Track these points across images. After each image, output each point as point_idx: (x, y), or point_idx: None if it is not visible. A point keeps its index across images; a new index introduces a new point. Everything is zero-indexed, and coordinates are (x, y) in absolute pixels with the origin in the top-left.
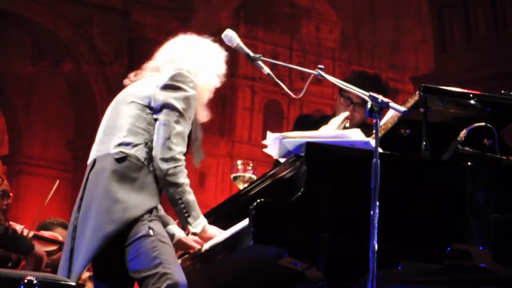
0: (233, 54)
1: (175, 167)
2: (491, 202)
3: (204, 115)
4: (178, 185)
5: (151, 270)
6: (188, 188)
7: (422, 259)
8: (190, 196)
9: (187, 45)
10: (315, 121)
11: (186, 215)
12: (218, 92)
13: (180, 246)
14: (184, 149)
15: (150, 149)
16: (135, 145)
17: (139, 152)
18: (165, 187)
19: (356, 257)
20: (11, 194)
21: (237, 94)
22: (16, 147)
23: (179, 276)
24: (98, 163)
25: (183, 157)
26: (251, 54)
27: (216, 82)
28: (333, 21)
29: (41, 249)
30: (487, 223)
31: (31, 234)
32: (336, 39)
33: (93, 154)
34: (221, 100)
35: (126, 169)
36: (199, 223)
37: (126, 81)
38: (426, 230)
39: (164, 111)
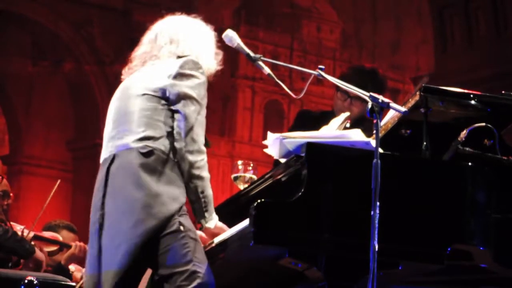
0: (233, 54)
1: (202, 159)
2: (491, 203)
3: None
4: (202, 178)
5: (181, 267)
6: (209, 183)
7: (423, 259)
8: (210, 191)
9: (180, 27)
10: (316, 117)
11: (204, 209)
12: (218, 92)
13: None
14: (203, 139)
15: (171, 141)
16: (157, 139)
17: (163, 145)
18: (189, 179)
19: (357, 257)
20: (11, 194)
21: (238, 94)
22: (16, 147)
23: (209, 277)
24: (119, 158)
25: (205, 149)
26: (252, 54)
27: (214, 65)
28: (333, 21)
29: (41, 253)
30: (488, 224)
31: (31, 234)
32: (337, 39)
33: (109, 149)
34: (222, 100)
35: (155, 162)
36: (213, 218)
37: (123, 76)
38: (426, 231)
39: (183, 102)
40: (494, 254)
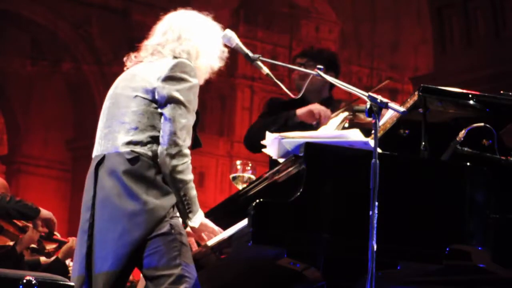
0: (232, 54)
1: (183, 163)
2: (490, 203)
3: None
4: (185, 181)
5: (169, 270)
6: (192, 184)
7: (421, 259)
8: (193, 192)
9: (191, 25)
10: (284, 103)
11: (188, 210)
12: (217, 91)
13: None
14: (189, 143)
15: (157, 146)
16: (145, 144)
17: (150, 150)
18: (171, 182)
19: (356, 257)
20: (9, 195)
21: (236, 94)
22: (15, 147)
23: (196, 282)
24: (107, 161)
25: (189, 151)
26: (250, 54)
27: (217, 64)
28: (332, 21)
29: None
30: (486, 224)
31: None
32: (336, 39)
33: (100, 148)
34: (220, 99)
35: (140, 168)
36: (197, 217)
37: (128, 64)
38: (425, 231)
39: (169, 105)
40: (493, 254)
